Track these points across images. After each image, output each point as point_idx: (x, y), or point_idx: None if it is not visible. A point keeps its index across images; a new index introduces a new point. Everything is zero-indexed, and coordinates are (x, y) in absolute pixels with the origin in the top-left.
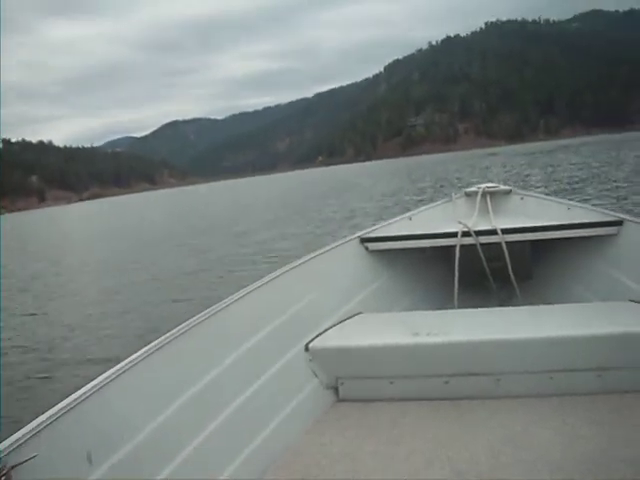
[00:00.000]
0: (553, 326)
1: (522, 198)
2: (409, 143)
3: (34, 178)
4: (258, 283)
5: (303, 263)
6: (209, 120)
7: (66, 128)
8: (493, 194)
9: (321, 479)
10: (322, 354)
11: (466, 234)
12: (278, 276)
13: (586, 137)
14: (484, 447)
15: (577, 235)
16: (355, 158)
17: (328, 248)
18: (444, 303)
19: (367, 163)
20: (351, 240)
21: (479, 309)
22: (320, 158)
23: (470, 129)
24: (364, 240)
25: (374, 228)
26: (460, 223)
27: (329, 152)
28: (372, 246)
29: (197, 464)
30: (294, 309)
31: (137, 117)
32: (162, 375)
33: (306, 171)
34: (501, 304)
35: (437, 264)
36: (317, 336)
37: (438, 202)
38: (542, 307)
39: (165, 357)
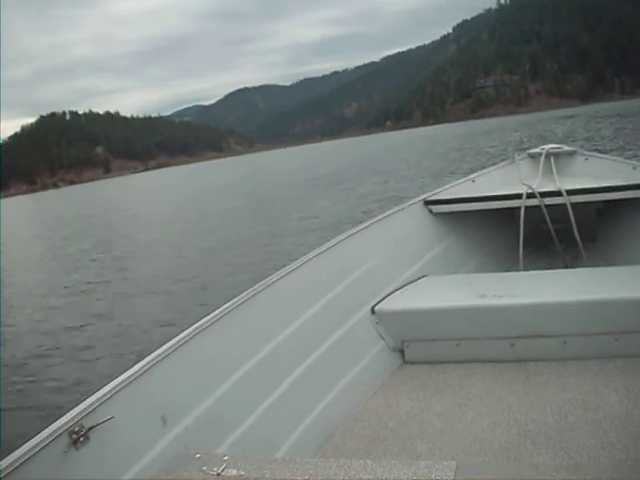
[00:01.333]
0: (619, 288)
1: (587, 159)
2: (479, 105)
3: (99, 149)
4: (324, 247)
5: (368, 226)
6: (277, 87)
7: (134, 99)
8: (557, 155)
9: (389, 440)
10: (388, 317)
11: (530, 196)
12: (343, 240)
13: None
14: (551, 409)
15: None
16: (424, 121)
17: (393, 211)
18: (509, 265)
19: (434, 126)
20: (415, 203)
21: (545, 271)
22: (388, 122)
23: (542, 90)
24: (428, 202)
25: (438, 190)
26: (524, 185)
27: (397, 116)
28: (436, 209)
29: (268, 423)
30: (360, 272)
31: (205, 86)
32: (233, 338)
33: (372, 136)
34: (567, 266)
35: (501, 226)
36: (383, 299)
37: (501, 164)
38: (608, 269)
39: (235, 321)
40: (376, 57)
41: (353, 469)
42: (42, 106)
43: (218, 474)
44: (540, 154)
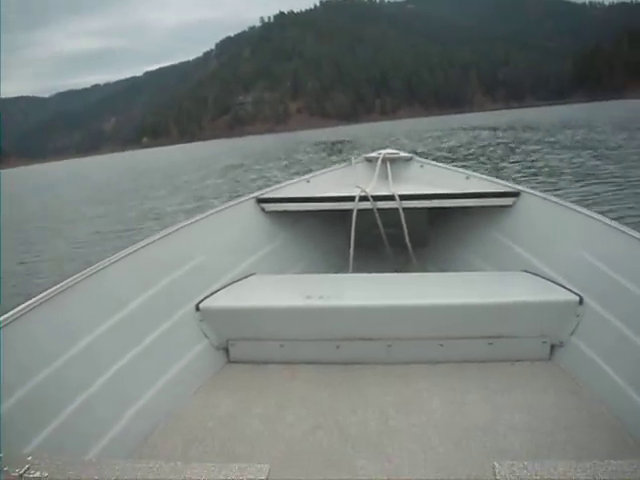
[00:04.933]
0: (446, 294)
1: (422, 166)
2: (237, 122)
3: None
4: (149, 240)
5: (196, 221)
6: (36, 98)
7: None
8: (393, 160)
9: (208, 441)
10: (213, 314)
11: (364, 199)
12: (170, 233)
13: (426, 117)
14: (374, 412)
15: (474, 204)
16: (180, 139)
17: (223, 207)
18: (340, 267)
19: (189, 144)
20: (247, 200)
21: (374, 274)
22: (145, 139)
23: (303, 108)
24: (260, 200)
25: (271, 189)
26: (358, 187)
27: (154, 133)
28: (268, 207)
29: (82, 421)
30: (186, 268)
31: None
32: (42, 332)
33: (126, 153)
34: (397, 270)
35: (334, 228)
36: (208, 296)
37: (338, 166)
38: (437, 274)
39: (47, 313)
40: (139, 72)
41: (162, 471)
42: None
43: (20, 475)
44: (377, 158)
